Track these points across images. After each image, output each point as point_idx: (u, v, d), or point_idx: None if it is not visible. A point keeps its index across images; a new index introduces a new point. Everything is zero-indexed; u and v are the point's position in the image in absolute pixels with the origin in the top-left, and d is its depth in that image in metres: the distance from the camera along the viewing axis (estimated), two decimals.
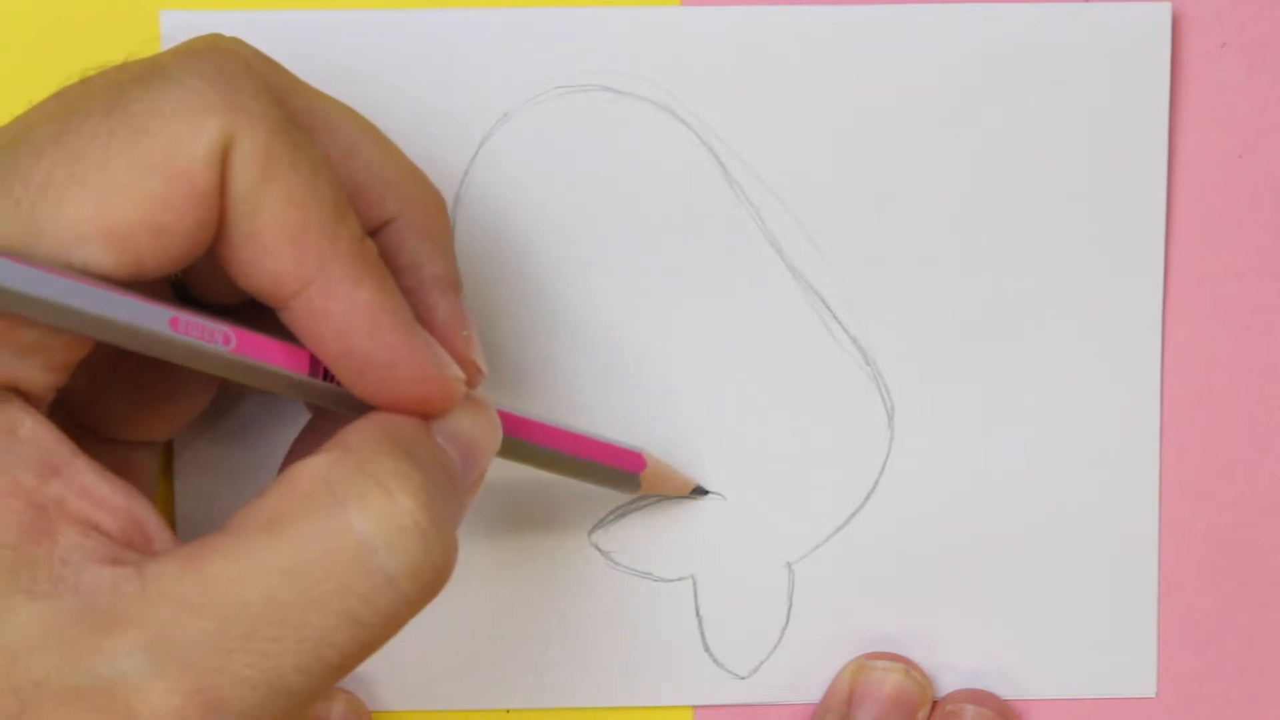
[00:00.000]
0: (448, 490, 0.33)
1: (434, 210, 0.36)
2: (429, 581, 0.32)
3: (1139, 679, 0.44)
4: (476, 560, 0.43)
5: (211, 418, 0.42)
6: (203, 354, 0.33)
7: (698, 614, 0.43)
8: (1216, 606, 0.44)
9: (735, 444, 0.43)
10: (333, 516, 0.31)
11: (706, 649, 0.43)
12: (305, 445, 0.37)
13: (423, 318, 0.35)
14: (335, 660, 0.31)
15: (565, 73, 0.42)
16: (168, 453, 0.42)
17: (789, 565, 0.43)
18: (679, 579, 0.43)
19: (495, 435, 0.36)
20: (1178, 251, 0.43)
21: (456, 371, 0.35)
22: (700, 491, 0.43)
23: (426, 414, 0.34)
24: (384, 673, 0.43)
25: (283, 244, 0.32)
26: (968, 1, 0.42)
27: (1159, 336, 0.43)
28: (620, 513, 0.43)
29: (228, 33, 0.42)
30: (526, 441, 0.39)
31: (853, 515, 0.43)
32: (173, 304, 0.32)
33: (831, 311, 0.43)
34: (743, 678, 0.44)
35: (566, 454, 0.39)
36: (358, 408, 0.34)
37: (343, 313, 0.32)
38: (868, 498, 0.43)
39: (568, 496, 0.43)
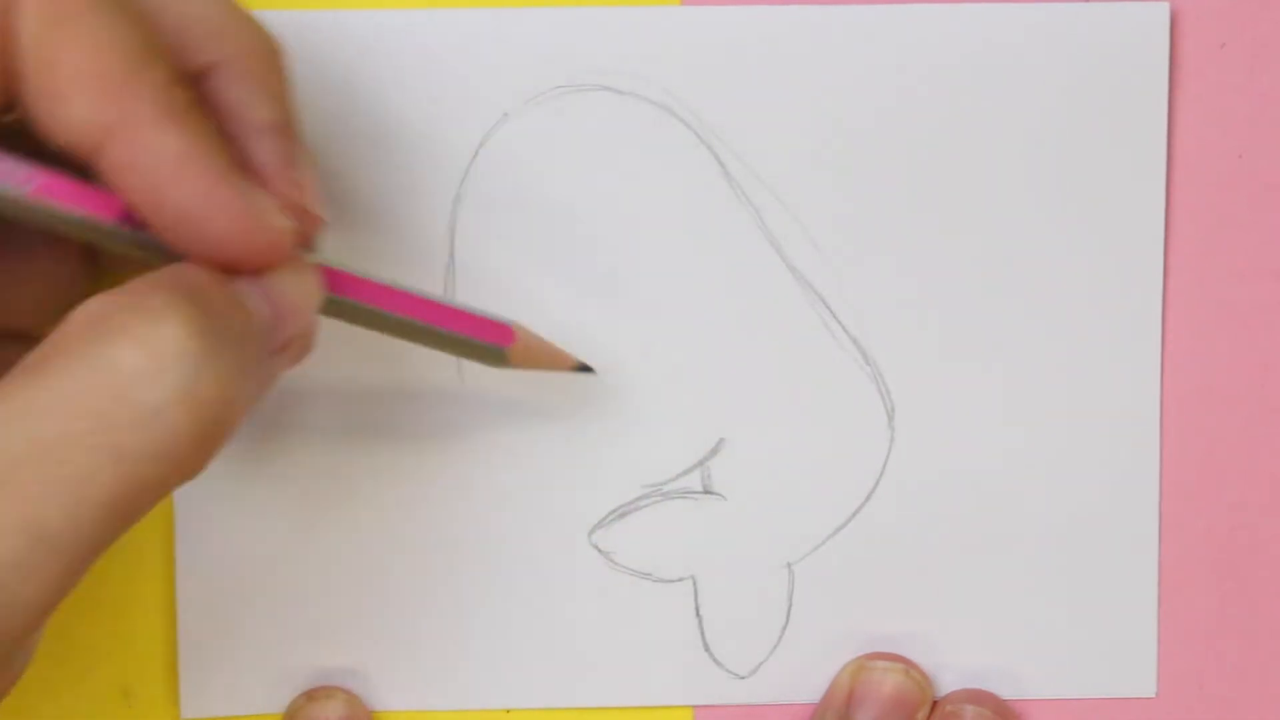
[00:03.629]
0: (242, 334, 0.32)
1: (263, 55, 0.35)
2: (203, 413, 0.30)
3: (1139, 679, 0.44)
4: (477, 560, 0.43)
5: None
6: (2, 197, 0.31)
7: (698, 614, 0.43)
8: (1216, 606, 0.44)
9: (735, 444, 0.43)
10: (95, 349, 0.30)
11: (706, 649, 0.43)
12: None
13: (247, 164, 0.34)
14: (103, 499, 0.30)
15: (565, 73, 0.42)
16: None
17: (789, 565, 0.43)
18: (679, 579, 0.43)
19: (310, 297, 0.34)
20: (1178, 251, 0.43)
21: (281, 221, 0.33)
22: (584, 368, 0.41)
23: (254, 266, 0.33)
24: (384, 673, 0.43)
25: (77, 91, 0.30)
26: (968, 1, 0.42)
27: (1159, 336, 0.43)
28: (620, 513, 0.43)
29: None
30: (368, 305, 0.37)
31: (853, 515, 0.43)
32: None
33: (831, 311, 0.43)
34: (743, 678, 0.44)
35: (418, 321, 0.37)
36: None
37: (149, 162, 0.31)
38: (868, 498, 0.43)
39: (568, 496, 0.43)
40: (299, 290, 0.34)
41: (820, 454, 0.43)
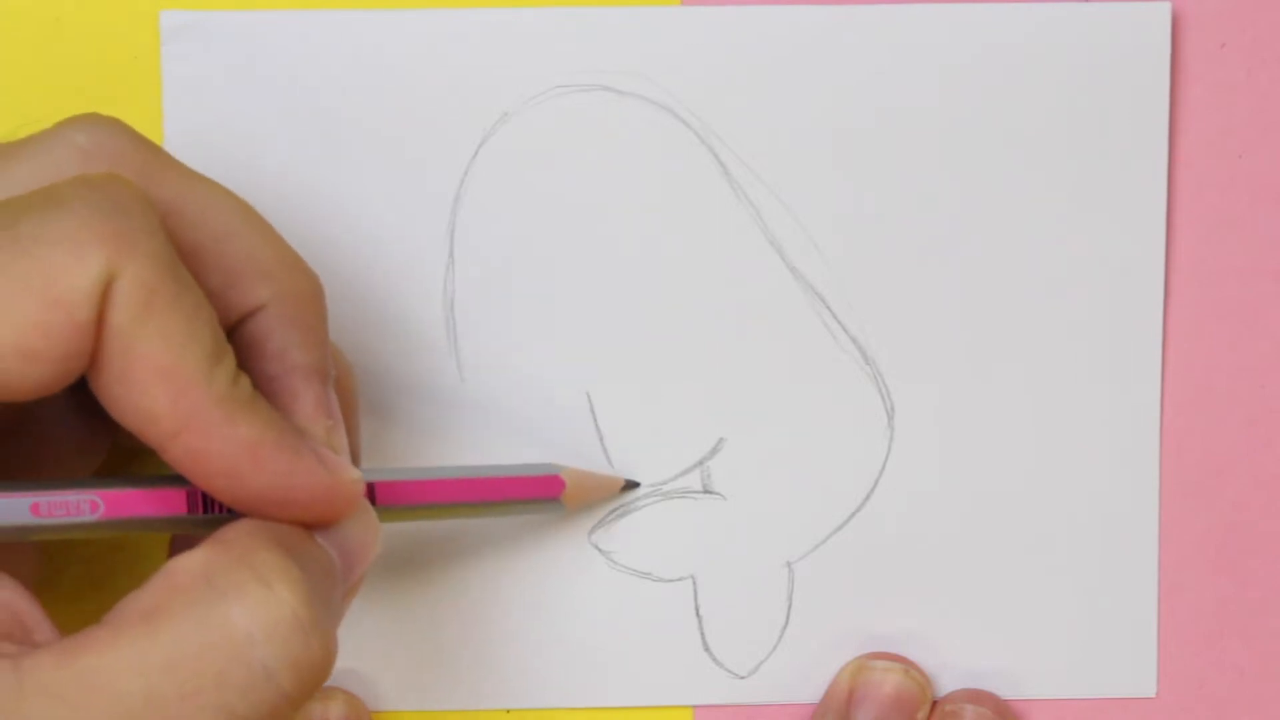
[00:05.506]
0: (327, 589, 0.33)
1: (307, 298, 0.36)
2: (308, 677, 0.32)
3: (1139, 679, 0.44)
4: (477, 560, 0.43)
5: None
6: (70, 527, 0.33)
7: (698, 614, 0.43)
8: (1216, 606, 0.44)
9: (735, 444, 0.43)
10: (211, 608, 0.31)
11: (706, 649, 0.43)
12: (184, 543, 0.36)
13: (287, 406, 0.35)
14: None
15: (565, 73, 0.42)
16: None
17: (789, 565, 0.43)
18: (679, 579, 0.43)
19: (375, 537, 0.36)
20: (1178, 251, 0.43)
21: (352, 474, 0.34)
22: (631, 485, 0.43)
23: (329, 522, 0.34)
24: (384, 673, 0.43)
25: (157, 384, 0.31)
26: (968, 1, 0.42)
27: (1159, 336, 0.43)
28: (620, 513, 0.43)
29: (227, 32, 0.42)
30: (430, 504, 0.38)
31: (853, 515, 0.43)
32: (31, 484, 0.32)
33: (831, 311, 0.43)
34: (742, 678, 0.44)
35: (478, 502, 0.39)
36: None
37: (223, 452, 0.32)
38: (868, 498, 0.43)
39: None
40: (364, 535, 0.35)
41: (820, 454, 0.43)
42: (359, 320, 0.42)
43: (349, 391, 0.38)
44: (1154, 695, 0.44)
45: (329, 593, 0.33)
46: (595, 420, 0.43)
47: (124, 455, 0.39)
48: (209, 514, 0.34)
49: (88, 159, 0.34)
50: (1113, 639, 0.44)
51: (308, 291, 0.36)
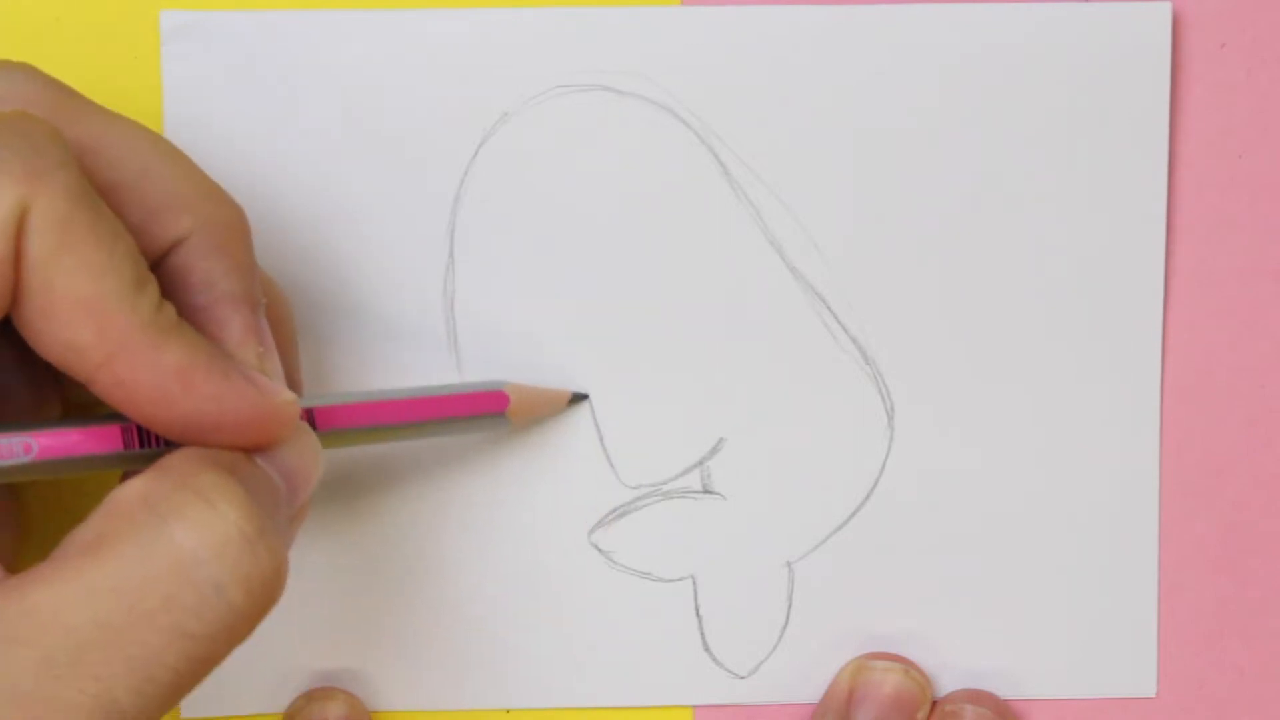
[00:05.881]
0: (272, 506, 0.33)
1: (230, 227, 0.36)
2: (259, 591, 0.32)
3: (1139, 679, 0.44)
4: (477, 560, 0.43)
5: None
6: (5, 470, 0.33)
7: (698, 614, 0.43)
8: (1216, 606, 0.44)
9: (735, 443, 0.43)
10: (155, 532, 0.31)
11: (706, 649, 0.43)
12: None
13: (216, 335, 0.35)
14: (168, 678, 0.31)
15: (565, 73, 0.42)
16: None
17: (789, 565, 0.43)
18: (679, 579, 0.43)
19: (316, 459, 0.36)
20: (1178, 251, 0.43)
21: (286, 395, 0.34)
22: (578, 397, 0.42)
23: (266, 444, 0.34)
24: (384, 673, 0.43)
25: (79, 315, 0.31)
26: (968, 1, 0.42)
27: (1159, 336, 0.43)
28: (620, 513, 0.43)
29: (227, 32, 0.42)
30: (363, 427, 0.38)
31: (853, 515, 0.43)
32: None
33: (831, 311, 0.43)
34: (742, 677, 0.44)
35: (423, 421, 0.39)
36: None
37: (152, 380, 0.32)
38: (867, 498, 0.43)
39: (568, 496, 0.43)
40: (305, 457, 0.35)
41: (820, 454, 0.43)
42: (359, 321, 0.42)
43: (284, 320, 0.38)
44: (1154, 695, 0.44)
45: (274, 511, 0.33)
46: (595, 420, 0.43)
47: (82, 410, 0.39)
48: (146, 449, 0.34)
49: (0, 103, 0.34)
50: (1113, 639, 0.44)
51: (231, 221, 0.36)
